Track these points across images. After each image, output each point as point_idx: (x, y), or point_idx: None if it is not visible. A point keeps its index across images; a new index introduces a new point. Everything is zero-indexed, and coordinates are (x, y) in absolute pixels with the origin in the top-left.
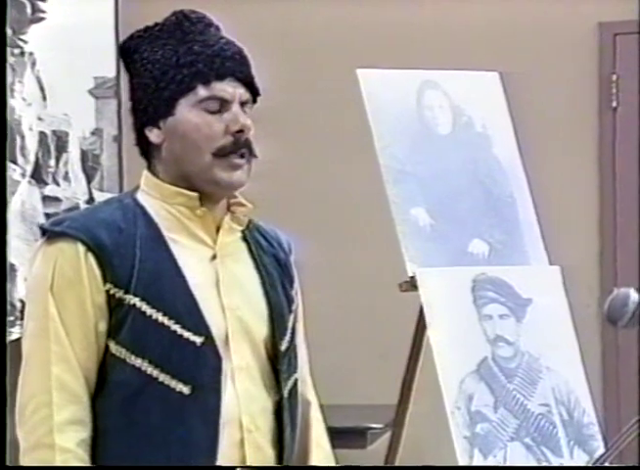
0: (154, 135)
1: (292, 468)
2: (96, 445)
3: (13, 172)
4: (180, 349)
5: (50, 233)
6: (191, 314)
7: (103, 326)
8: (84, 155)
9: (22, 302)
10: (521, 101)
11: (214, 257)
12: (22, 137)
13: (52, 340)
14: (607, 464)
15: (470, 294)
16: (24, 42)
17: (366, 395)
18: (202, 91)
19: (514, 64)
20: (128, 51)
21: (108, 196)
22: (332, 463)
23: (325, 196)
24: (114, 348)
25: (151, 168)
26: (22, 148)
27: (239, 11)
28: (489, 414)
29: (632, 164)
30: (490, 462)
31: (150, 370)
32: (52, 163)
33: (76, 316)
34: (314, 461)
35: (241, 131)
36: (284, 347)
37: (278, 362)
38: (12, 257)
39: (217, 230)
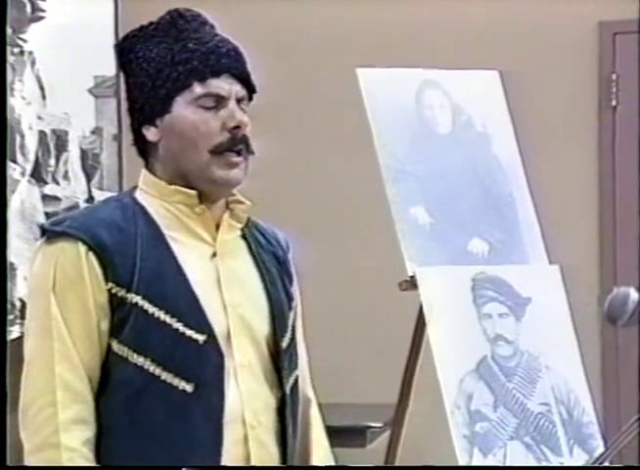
0: (151, 134)
1: (292, 468)
2: (99, 443)
3: (13, 171)
4: (182, 347)
5: (50, 233)
6: (193, 312)
7: (105, 325)
8: (84, 154)
9: (21, 301)
10: (520, 100)
11: (214, 254)
12: (22, 136)
13: (55, 339)
14: (606, 463)
15: (469, 293)
16: (24, 41)
17: (365, 394)
18: (197, 88)
19: (514, 63)
20: (124, 51)
21: (107, 195)
22: (331, 461)
23: (324, 194)
24: (116, 346)
25: (149, 167)
26: (22, 147)
27: (236, 9)
28: (489, 413)
29: (632, 162)
30: (490, 461)
31: (152, 369)
32: (52, 162)
33: (79, 316)
34: (314, 459)
35: (237, 127)
36: (285, 344)
37: (279, 359)
38: (11, 255)
39: (217, 228)
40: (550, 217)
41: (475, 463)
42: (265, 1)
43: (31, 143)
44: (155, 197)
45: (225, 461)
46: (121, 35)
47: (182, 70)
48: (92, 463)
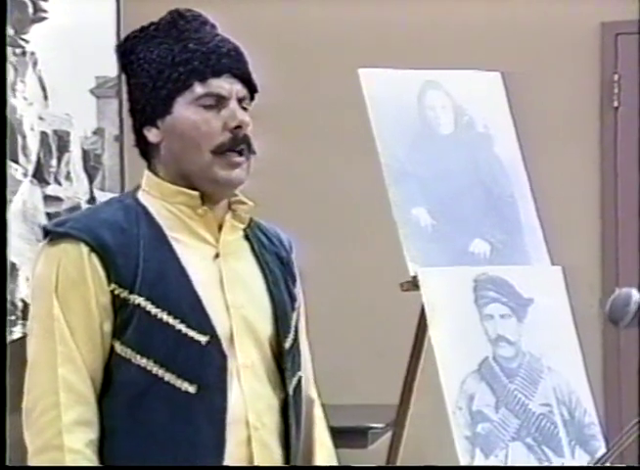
0: (152, 135)
1: (295, 468)
2: (102, 445)
3: (14, 172)
4: (185, 348)
5: (53, 234)
6: (196, 313)
7: (108, 326)
8: (86, 154)
9: (23, 301)
10: (522, 101)
11: (217, 255)
12: (24, 137)
13: (57, 341)
14: (608, 464)
15: (471, 294)
16: (26, 42)
17: (367, 394)
18: (198, 88)
19: (516, 64)
20: (125, 52)
21: (109, 196)
22: (335, 462)
23: (325, 195)
24: (119, 348)
25: (151, 168)
26: (24, 147)
27: (236, 9)
28: (491, 414)
29: (634, 163)
30: (492, 462)
31: (155, 370)
32: (53, 162)
33: (81, 317)
34: (318, 459)
35: (239, 127)
36: (288, 345)
37: (282, 360)
38: (13, 256)
39: (219, 229)
40: (552, 218)
41: (476, 464)
42: (265, 1)
43: (33, 144)
44: (157, 198)
45: (228, 463)
46: (123, 36)
47: (183, 70)
48: (95, 465)
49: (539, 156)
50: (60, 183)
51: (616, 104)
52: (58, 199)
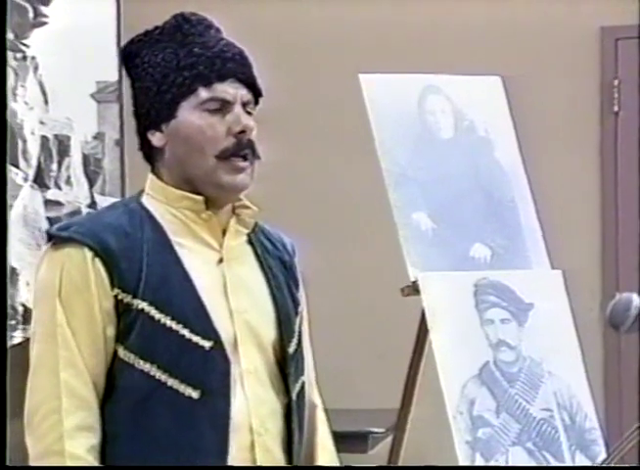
0: (156, 139)
1: (296, 468)
2: (105, 450)
3: (15, 176)
4: (189, 353)
5: (56, 238)
6: (199, 319)
7: (111, 331)
8: (86, 159)
9: (23, 306)
10: (522, 105)
11: (221, 260)
12: (24, 141)
13: (60, 346)
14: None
15: (472, 298)
16: (27, 46)
17: (368, 399)
18: (203, 93)
19: (516, 68)
20: (129, 55)
21: (110, 200)
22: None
23: (326, 198)
24: (122, 353)
25: (155, 172)
26: (24, 152)
27: (240, 12)
28: (491, 419)
29: (634, 168)
30: None
31: (159, 375)
32: (54, 167)
33: (84, 322)
34: (320, 463)
35: (243, 132)
36: (292, 349)
37: (286, 365)
38: (14, 260)
39: (223, 233)
40: (552, 223)
41: None
42: (265, 3)
43: (34, 148)
44: (161, 202)
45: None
46: (124, 41)
47: (188, 74)
48: None
49: (540, 160)
50: (60, 187)
51: (616, 108)
52: (58, 203)
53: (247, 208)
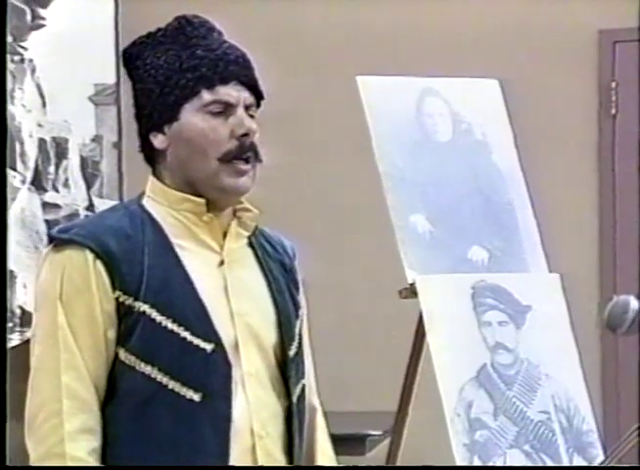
0: (158, 141)
1: (297, 468)
2: (106, 453)
3: (13, 179)
4: (190, 356)
5: (57, 241)
6: (200, 321)
7: (112, 334)
8: (84, 161)
9: (21, 308)
10: (520, 108)
11: (222, 262)
12: (22, 144)
13: (61, 348)
14: None
15: (469, 301)
16: (24, 49)
17: (365, 401)
18: (206, 95)
19: (514, 71)
20: (131, 57)
21: (107, 203)
22: None
23: (324, 202)
24: (123, 355)
25: (156, 174)
26: (22, 155)
27: (242, 15)
28: (489, 421)
29: (632, 170)
30: None
31: (160, 377)
32: (52, 169)
33: (85, 324)
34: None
35: (246, 135)
36: (292, 352)
37: (287, 368)
38: (11, 263)
39: (224, 236)
40: (550, 225)
41: None
42: (269, 6)
43: (31, 151)
44: (162, 204)
45: None
46: (122, 44)
47: (190, 77)
48: None
49: (537, 163)
50: (58, 190)
51: (613, 111)
52: (56, 206)
53: (248, 210)
